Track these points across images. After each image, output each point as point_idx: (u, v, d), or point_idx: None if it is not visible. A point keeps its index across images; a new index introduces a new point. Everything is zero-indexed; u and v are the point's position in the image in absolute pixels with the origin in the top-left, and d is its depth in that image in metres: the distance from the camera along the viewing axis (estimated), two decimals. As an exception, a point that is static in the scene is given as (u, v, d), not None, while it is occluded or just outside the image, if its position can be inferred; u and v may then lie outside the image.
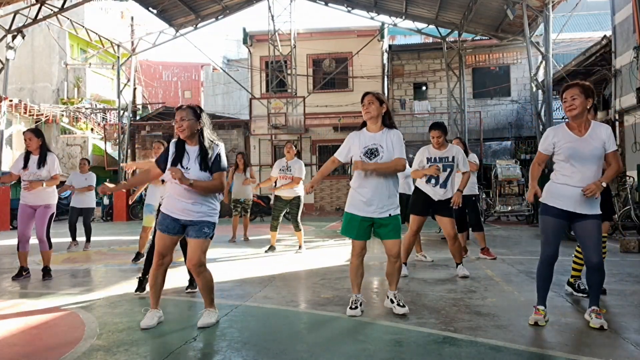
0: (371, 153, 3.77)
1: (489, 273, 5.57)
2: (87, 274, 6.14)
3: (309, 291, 4.86)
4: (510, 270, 5.72)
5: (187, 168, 3.49)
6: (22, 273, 5.64)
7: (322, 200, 20.35)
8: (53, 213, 5.69)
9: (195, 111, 3.56)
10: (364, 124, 3.95)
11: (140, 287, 4.75)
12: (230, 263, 6.62)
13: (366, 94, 3.90)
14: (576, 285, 4.42)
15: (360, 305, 3.84)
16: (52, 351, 3.12)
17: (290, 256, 7.25)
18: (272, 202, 16.73)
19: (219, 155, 3.56)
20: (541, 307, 3.53)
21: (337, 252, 7.75)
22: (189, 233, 3.54)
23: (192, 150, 3.55)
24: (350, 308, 3.82)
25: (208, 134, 3.58)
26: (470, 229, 7.17)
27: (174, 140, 3.67)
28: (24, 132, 5.68)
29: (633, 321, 3.59)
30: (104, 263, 6.96)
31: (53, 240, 5.82)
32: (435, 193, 5.31)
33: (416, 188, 5.50)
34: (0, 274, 6.18)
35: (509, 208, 13.00)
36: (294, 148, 7.56)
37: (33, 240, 5.70)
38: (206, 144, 3.53)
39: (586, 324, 3.45)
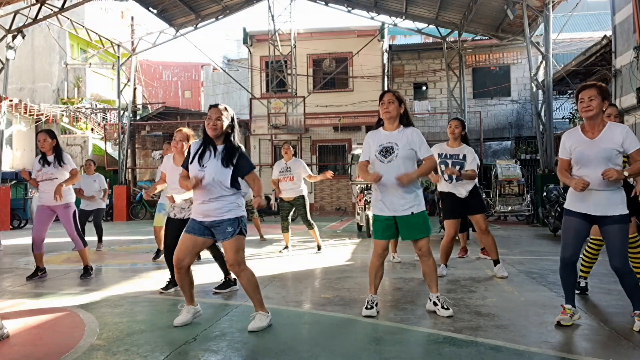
0: (386, 151, 3.73)
1: (489, 273, 5.57)
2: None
3: (309, 291, 4.86)
4: (510, 270, 5.71)
5: (203, 166, 3.46)
6: (37, 273, 5.62)
7: (322, 200, 20.34)
8: (75, 210, 5.67)
9: (229, 113, 3.55)
10: (379, 123, 3.90)
11: (167, 287, 4.78)
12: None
13: (386, 92, 3.86)
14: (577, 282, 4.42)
15: (376, 305, 3.81)
16: (52, 351, 3.12)
17: (290, 256, 7.25)
18: (272, 202, 16.82)
19: (244, 155, 3.55)
20: (568, 306, 3.47)
21: (337, 252, 7.75)
22: (217, 237, 3.52)
23: (218, 148, 3.52)
24: (366, 308, 3.77)
25: (237, 136, 3.59)
26: (470, 229, 7.16)
27: (196, 141, 3.66)
28: (39, 133, 5.64)
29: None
30: (104, 263, 6.96)
31: (57, 240, 5.79)
32: (458, 189, 5.22)
33: (441, 193, 5.42)
34: (0, 274, 6.17)
35: (509, 208, 13.00)
36: (291, 148, 7.54)
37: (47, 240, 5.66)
38: (234, 144, 3.53)
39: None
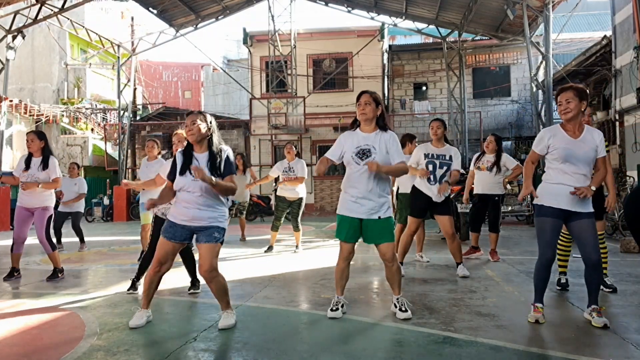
0: (363, 154, 3.69)
1: (489, 273, 5.57)
2: (87, 274, 6.14)
3: (309, 291, 4.86)
4: (510, 270, 5.72)
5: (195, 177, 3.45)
6: (13, 274, 5.62)
7: (322, 201, 20.35)
8: (51, 215, 5.64)
9: (206, 117, 3.56)
10: (355, 124, 3.87)
11: (133, 286, 4.77)
12: (231, 263, 6.62)
13: (363, 93, 3.81)
14: (556, 279, 4.58)
15: (342, 307, 3.83)
16: (52, 351, 3.12)
17: (290, 256, 7.25)
18: (272, 202, 16.82)
19: (227, 158, 3.55)
20: (540, 305, 3.57)
21: (337, 252, 7.73)
22: (198, 238, 3.50)
23: (201, 157, 3.53)
24: (331, 310, 3.78)
25: (216, 139, 3.58)
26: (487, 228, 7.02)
27: (180, 150, 3.66)
28: (27, 133, 5.61)
29: (633, 321, 3.59)
30: (104, 263, 6.96)
31: (65, 240, 5.73)
32: (434, 193, 5.27)
33: (414, 188, 5.43)
34: (0, 274, 6.17)
35: (509, 208, 12.99)
36: (294, 148, 7.57)
37: (29, 242, 5.66)
38: (214, 149, 3.53)
39: (587, 323, 3.45)
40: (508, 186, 6.99)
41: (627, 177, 9.54)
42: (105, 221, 17.42)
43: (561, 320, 3.62)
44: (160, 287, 4.95)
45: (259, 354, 2.98)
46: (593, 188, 3.48)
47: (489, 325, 3.50)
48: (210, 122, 3.57)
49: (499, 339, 3.17)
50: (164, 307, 4.26)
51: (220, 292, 3.58)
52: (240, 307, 4.13)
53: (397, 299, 3.81)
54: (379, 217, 3.72)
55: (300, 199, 7.47)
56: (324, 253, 7.68)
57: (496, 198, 6.48)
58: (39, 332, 3.57)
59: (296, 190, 7.42)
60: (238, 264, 6.64)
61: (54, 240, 5.79)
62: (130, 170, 20.19)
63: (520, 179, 13.09)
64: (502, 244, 8.25)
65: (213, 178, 3.37)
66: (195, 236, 3.55)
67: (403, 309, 3.73)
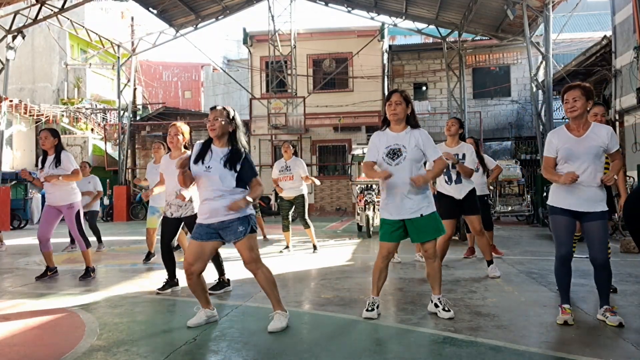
0: (394, 153, 3.68)
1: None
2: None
3: (309, 291, 4.86)
4: (510, 271, 5.72)
5: (208, 167, 3.44)
6: (47, 273, 5.63)
7: (322, 201, 20.33)
8: (79, 210, 5.67)
9: (229, 113, 3.55)
10: (385, 123, 3.85)
11: (163, 287, 4.76)
12: (231, 263, 6.60)
13: (394, 91, 3.79)
14: None
15: (377, 307, 3.77)
16: (52, 351, 3.12)
17: (290, 256, 7.26)
18: (272, 202, 16.81)
19: (248, 160, 3.51)
20: (567, 306, 3.53)
21: (337, 252, 7.75)
22: (227, 239, 3.47)
23: (219, 150, 3.50)
24: (367, 310, 3.73)
25: (240, 137, 3.55)
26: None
27: (199, 141, 3.64)
28: (41, 131, 5.63)
29: (633, 321, 3.59)
30: (104, 263, 6.96)
31: (57, 240, 5.75)
32: (457, 191, 5.28)
33: (439, 193, 5.45)
34: (0, 274, 6.17)
35: (509, 208, 13.00)
36: (291, 147, 7.58)
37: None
38: (238, 146, 3.51)
39: (596, 323, 3.46)
40: (491, 187, 7.30)
41: (627, 178, 9.52)
42: (105, 221, 17.42)
43: (561, 321, 3.61)
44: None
45: (259, 354, 2.98)
46: (616, 177, 3.45)
47: (489, 325, 3.50)
48: (233, 118, 3.55)
49: (499, 339, 3.17)
50: (165, 307, 4.26)
51: (269, 285, 3.52)
52: (240, 307, 4.14)
53: (439, 298, 3.78)
54: (421, 215, 3.68)
55: (302, 196, 7.45)
56: (324, 253, 7.68)
57: (485, 198, 6.70)
58: (39, 332, 3.57)
59: (297, 188, 7.41)
60: (238, 264, 6.61)
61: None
62: (130, 170, 20.20)
63: (520, 179, 13.09)
64: (502, 244, 8.26)
65: (248, 198, 3.39)
66: (221, 236, 3.48)
67: (446, 308, 3.71)
